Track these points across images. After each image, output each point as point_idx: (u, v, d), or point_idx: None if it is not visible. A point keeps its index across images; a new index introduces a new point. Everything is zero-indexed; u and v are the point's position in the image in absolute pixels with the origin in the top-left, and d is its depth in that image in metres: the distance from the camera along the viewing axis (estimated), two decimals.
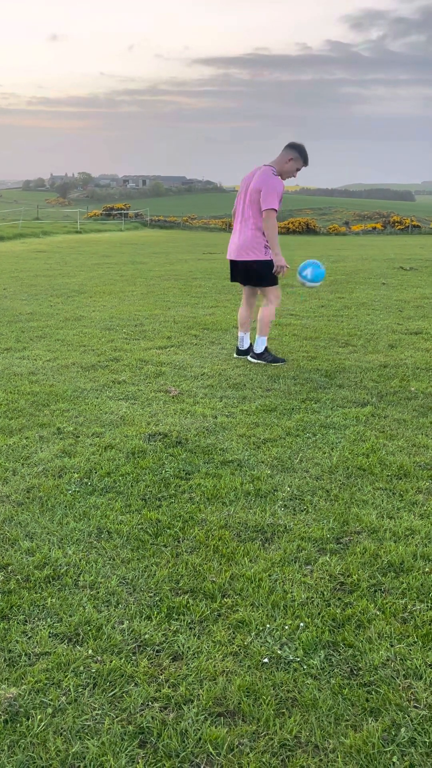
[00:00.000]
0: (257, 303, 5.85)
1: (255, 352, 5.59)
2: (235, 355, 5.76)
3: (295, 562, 2.48)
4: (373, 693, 1.85)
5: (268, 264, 5.40)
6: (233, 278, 5.74)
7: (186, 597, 2.26)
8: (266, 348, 5.58)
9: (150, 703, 1.81)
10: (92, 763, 1.63)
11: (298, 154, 5.35)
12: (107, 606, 2.22)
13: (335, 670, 1.94)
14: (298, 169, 5.42)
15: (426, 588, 2.33)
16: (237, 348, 5.79)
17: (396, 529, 2.72)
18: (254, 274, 5.50)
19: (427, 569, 2.44)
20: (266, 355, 5.56)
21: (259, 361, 5.55)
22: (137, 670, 1.92)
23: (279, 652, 2.00)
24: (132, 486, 3.11)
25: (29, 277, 11.84)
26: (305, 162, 5.42)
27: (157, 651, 2.02)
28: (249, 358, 5.63)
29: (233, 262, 5.59)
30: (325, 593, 2.29)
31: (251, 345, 5.71)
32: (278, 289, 5.61)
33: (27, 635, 2.08)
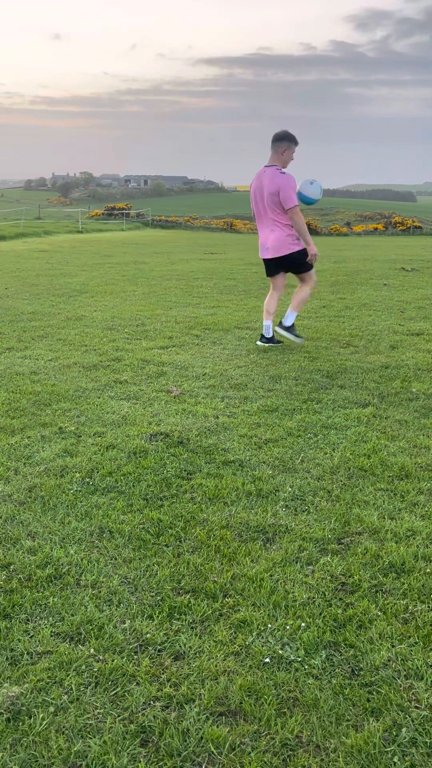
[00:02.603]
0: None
1: (284, 324, 6.13)
2: (258, 342, 6.21)
3: (296, 563, 2.49)
4: (374, 693, 1.86)
5: (302, 253, 5.96)
6: (269, 273, 6.29)
7: (187, 597, 2.27)
8: (293, 324, 6.15)
9: (152, 702, 1.82)
10: (94, 762, 1.63)
11: (287, 141, 5.91)
12: (109, 605, 2.23)
13: (336, 670, 1.94)
14: (293, 152, 5.99)
15: (427, 589, 2.33)
16: (261, 335, 6.24)
17: (397, 530, 2.73)
18: (292, 264, 6.08)
19: (428, 570, 2.44)
20: (293, 329, 6.16)
21: (285, 333, 6.11)
22: (139, 670, 1.93)
23: (280, 652, 2.00)
24: (134, 486, 3.12)
25: (31, 277, 11.85)
26: (296, 143, 5.99)
27: (159, 650, 2.02)
28: (277, 328, 6.14)
29: (267, 260, 6.16)
30: (327, 593, 2.29)
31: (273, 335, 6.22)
32: (314, 272, 6.20)
33: (29, 634, 2.08)
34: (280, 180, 5.75)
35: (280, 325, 6.16)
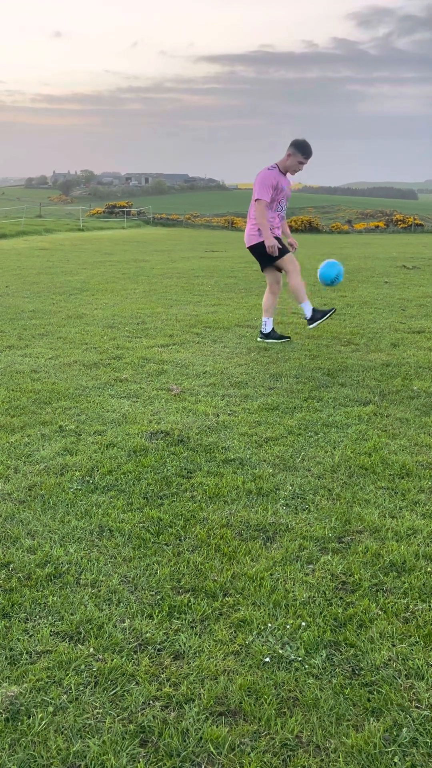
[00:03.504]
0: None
1: (306, 316, 6.12)
2: (258, 339, 6.31)
3: (296, 561, 2.48)
4: (375, 693, 1.85)
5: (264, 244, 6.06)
6: (260, 267, 6.42)
7: (187, 596, 2.26)
8: (313, 309, 6.05)
9: (151, 702, 1.81)
10: (93, 762, 1.63)
11: (294, 148, 5.97)
12: (108, 604, 2.22)
13: (337, 670, 1.93)
14: (300, 162, 6.01)
15: (428, 588, 2.32)
16: (260, 331, 6.36)
17: (398, 529, 2.72)
18: (261, 255, 6.16)
19: (429, 569, 2.43)
20: (317, 314, 6.04)
21: (315, 324, 6.07)
22: (138, 669, 1.92)
23: (280, 651, 2.00)
24: (134, 484, 3.11)
25: (31, 275, 11.85)
26: (303, 153, 5.99)
27: (159, 650, 2.01)
28: (309, 326, 6.16)
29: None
30: (327, 592, 2.29)
31: (273, 329, 6.32)
32: (290, 258, 6.10)
33: (28, 633, 2.08)
34: (260, 174, 5.98)
35: (308, 319, 6.06)
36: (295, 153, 5.94)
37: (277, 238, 6.13)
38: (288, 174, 6.14)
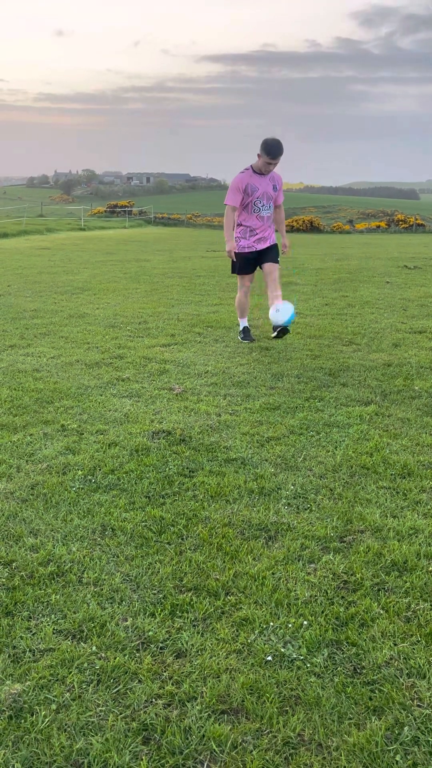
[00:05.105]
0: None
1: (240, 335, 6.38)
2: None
3: (298, 561, 2.48)
4: (377, 691, 1.85)
5: (236, 255, 6.30)
6: None
7: (189, 594, 2.27)
8: (243, 328, 6.35)
9: (154, 699, 1.82)
10: (96, 760, 1.63)
11: (260, 148, 5.86)
12: (111, 603, 2.23)
13: (338, 669, 1.94)
14: (267, 162, 5.89)
15: (430, 587, 2.33)
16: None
17: (400, 528, 2.72)
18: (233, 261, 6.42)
19: (430, 568, 2.44)
20: (241, 334, 6.32)
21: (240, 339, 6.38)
22: (141, 667, 1.93)
23: (282, 650, 2.00)
24: (136, 483, 3.12)
25: (33, 274, 11.85)
26: (267, 154, 5.82)
27: (161, 648, 2.02)
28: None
29: None
30: (329, 592, 2.29)
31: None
32: (239, 278, 6.44)
33: (31, 631, 2.08)
34: (233, 179, 6.06)
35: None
36: (262, 153, 5.80)
37: (244, 251, 6.27)
38: (272, 174, 6.00)
